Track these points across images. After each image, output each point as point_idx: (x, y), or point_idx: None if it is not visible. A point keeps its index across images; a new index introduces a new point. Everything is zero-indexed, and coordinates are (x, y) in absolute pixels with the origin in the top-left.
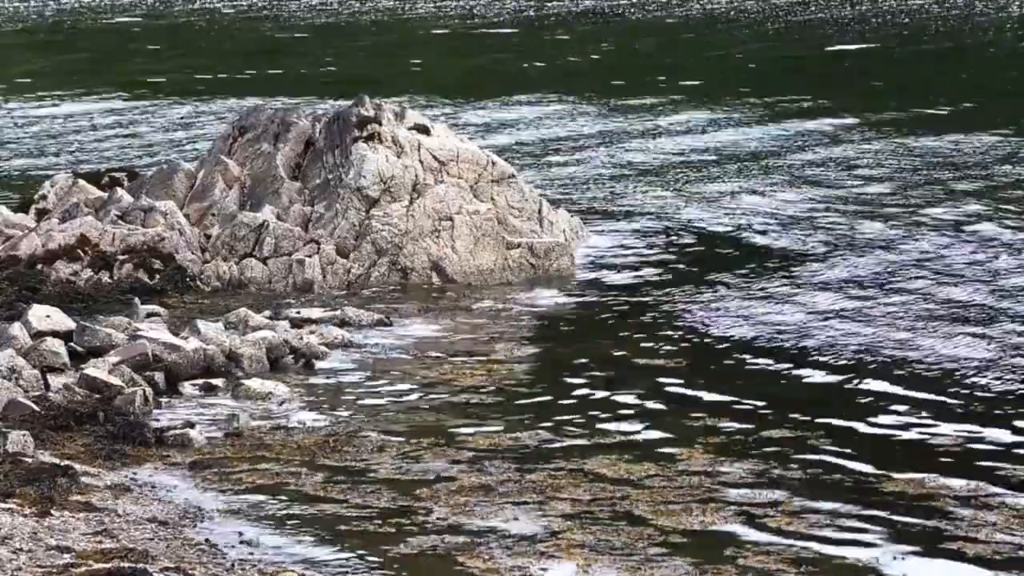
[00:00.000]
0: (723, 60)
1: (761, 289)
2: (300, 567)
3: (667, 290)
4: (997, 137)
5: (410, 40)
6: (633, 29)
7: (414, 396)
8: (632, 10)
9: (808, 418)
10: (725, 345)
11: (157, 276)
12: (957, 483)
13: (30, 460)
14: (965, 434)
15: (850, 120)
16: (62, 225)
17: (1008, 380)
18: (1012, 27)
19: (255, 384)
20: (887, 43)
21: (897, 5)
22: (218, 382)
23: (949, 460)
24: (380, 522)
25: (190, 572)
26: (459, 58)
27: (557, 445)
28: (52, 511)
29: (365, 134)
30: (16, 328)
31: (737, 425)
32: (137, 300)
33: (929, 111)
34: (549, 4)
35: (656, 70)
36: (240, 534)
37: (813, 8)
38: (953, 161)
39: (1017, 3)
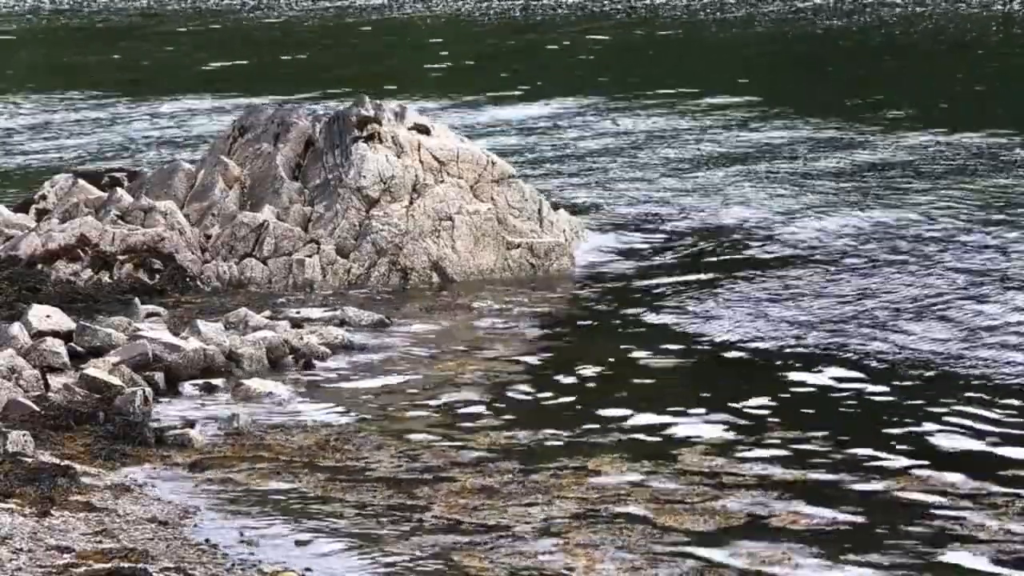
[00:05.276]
0: (722, 57)
1: (762, 288)
2: (300, 567)
3: (668, 290)
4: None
5: (406, 39)
6: (626, 26)
7: (414, 396)
8: (622, 9)
9: (810, 418)
10: (726, 344)
11: (157, 276)
12: (961, 482)
13: (30, 460)
14: (968, 434)
15: (854, 118)
16: (62, 225)
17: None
18: (998, 24)
19: (255, 384)
20: (883, 36)
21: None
22: (218, 382)
23: (953, 460)
24: (381, 522)
25: (190, 572)
26: (455, 56)
27: (558, 445)
28: (52, 511)
29: (365, 134)
30: (16, 328)
31: (739, 424)
32: (137, 300)
33: (941, 107)
34: (536, 4)
35: (652, 67)
36: (240, 534)
37: (803, 6)
38: (960, 160)
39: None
